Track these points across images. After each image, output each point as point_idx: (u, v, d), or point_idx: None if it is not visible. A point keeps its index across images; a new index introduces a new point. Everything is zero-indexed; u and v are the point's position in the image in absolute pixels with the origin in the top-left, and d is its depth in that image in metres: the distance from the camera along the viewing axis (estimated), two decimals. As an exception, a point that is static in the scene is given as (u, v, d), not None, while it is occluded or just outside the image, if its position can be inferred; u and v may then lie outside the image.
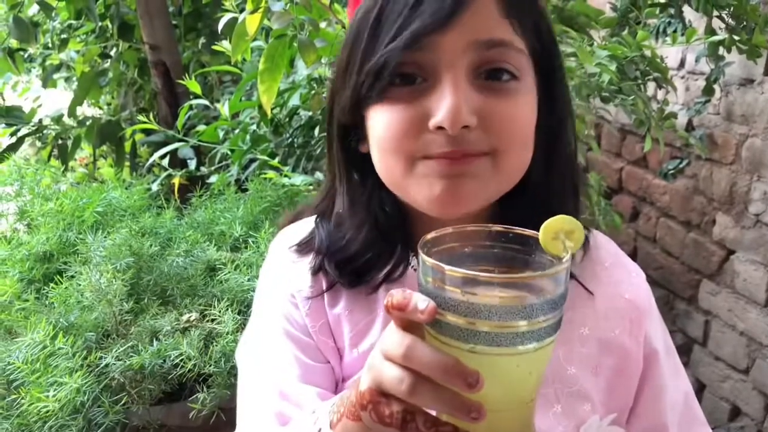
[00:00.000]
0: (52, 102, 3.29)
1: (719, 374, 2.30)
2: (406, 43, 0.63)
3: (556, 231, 0.52)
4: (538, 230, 0.52)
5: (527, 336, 0.47)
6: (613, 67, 1.54)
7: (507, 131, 0.65)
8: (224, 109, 1.90)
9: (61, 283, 1.40)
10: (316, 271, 0.75)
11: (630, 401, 0.76)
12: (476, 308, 0.47)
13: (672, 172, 2.36)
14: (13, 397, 1.19)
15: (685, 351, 2.45)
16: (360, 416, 0.54)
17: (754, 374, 2.14)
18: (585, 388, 0.72)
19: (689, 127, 2.33)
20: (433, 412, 0.52)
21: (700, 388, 2.38)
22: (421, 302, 0.48)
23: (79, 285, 1.37)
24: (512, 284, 0.48)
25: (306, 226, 0.81)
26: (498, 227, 0.55)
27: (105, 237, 1.49)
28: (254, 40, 1.52)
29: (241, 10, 1.42)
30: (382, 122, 0.67)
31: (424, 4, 0.63)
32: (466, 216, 0.67)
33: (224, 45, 1.76)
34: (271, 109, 1.52)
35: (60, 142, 2.66)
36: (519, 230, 0.54)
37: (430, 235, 0.53)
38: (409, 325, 0.51)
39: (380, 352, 0.52)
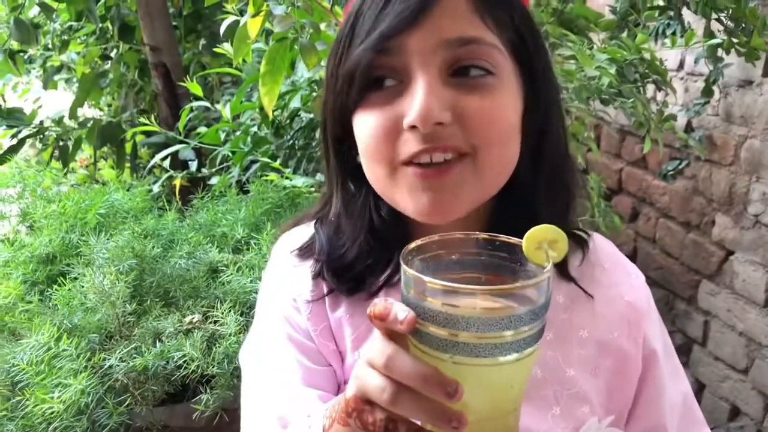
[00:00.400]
0: (52, 103, 3.30)
1: (719, 374, 2.31)
2: (373, 47, 0.63)
3: (539, 241, 0.51)
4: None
5: (507, 347, 0.47)
6: (612, 70, 1.54)
7: (484, 126, 0.64)
8: (225, 110, 1.90)
9: (65, 285, 1.41)
10: (316, 275, 0.76)
11: (629, 403, 0.77)
12: (456, 319, 0.46)
13: (671, 173, 2.37)
14: (18, 398, 1.19)
15: (684, 351, 2.46)
16: (348, 422, 0.54)
17: (753, 374, 2.15)
18: (584, 390, 0.72)
19: (688, 128, 2.33)
20: (418, 421, 0.52)
21: (699, 388, 2.38)
22: (401, 312, 0.48)
23: (83, 287, 1.38)
24: (492, 295, 0.48)
25: (307, 230, 0.81)
26: (483, 235, 0.54)
27: (108, 239, 1.50)
28: (255, 42, 1.52)
29: (242, 13, 1.42)
30: (363, 128, 0.67)
31: (389, 6, 0.63)
32: (457, 219, 0.67)
33: (225, 48, 1.76)
34: (272, 111, 1.53)
35: (61, 143, 2.67)
36: (504, 238, 0.54)
37: (413, 244, 0.52)
38: (393, 334, 0.51)
39: (365, 361, 0.53)
